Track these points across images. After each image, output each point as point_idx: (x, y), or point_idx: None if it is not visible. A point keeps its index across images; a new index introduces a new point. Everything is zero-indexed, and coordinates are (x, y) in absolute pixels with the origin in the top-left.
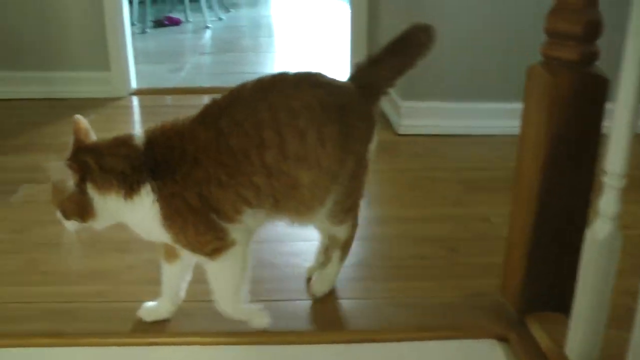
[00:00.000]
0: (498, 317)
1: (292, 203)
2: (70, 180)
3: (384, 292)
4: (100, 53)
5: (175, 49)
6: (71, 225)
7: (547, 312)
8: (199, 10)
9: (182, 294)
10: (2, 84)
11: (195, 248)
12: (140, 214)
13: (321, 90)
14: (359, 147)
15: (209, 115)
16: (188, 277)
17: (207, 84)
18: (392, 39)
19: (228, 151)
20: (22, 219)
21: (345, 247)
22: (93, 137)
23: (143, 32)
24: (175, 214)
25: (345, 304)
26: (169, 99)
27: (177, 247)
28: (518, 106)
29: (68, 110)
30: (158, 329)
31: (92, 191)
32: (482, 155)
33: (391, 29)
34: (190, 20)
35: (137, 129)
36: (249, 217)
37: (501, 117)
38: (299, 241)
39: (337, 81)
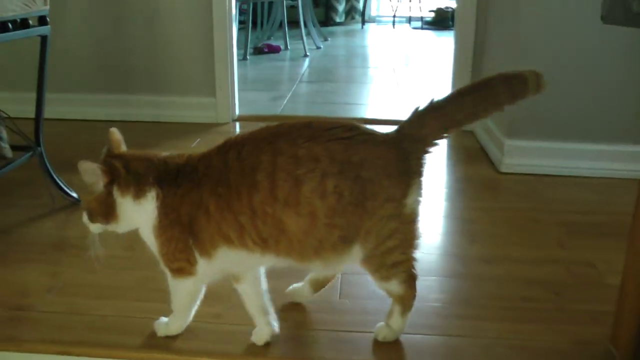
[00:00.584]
0: None
1: (282, 246)
2: (100, 183)
3: (494, 332)
4: (208, 80)
5: (276, 77)
6: (96, 228)
7: None
8: (297, 38)
9: (269, 304)
10: (115, 106)
11: (168, 260)
12: (143, 217)
13: (339, 145)
14: (382, 206)
15: (227, 145)
16: (264, 286)
17: (306, 112)
18: (475, 83)
19: (225, 184)
20: (132, 237)
21: (404, 301)
22: (124, 148)
23: (243, 58)
24: (168, 225)
25: (454, 341)
26: None
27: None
28: (625, 148)
29: (174, 133)
30: (270, 352)
31: (116, 193)
32: (586, 198)
33: (499, 62)
34: (289, 47)
35: None
36: (224, 256)
37: (607, 159)
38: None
39: (366, 135)
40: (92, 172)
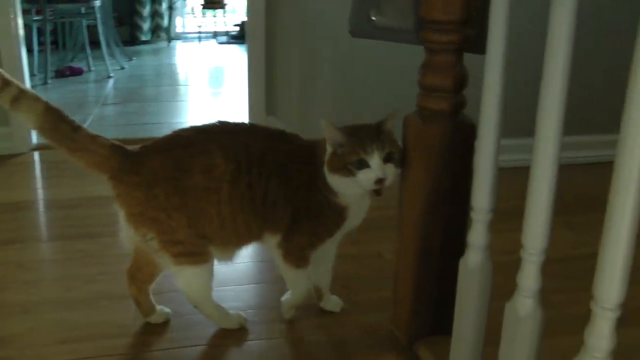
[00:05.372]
0: (391, 347)
1: None
2: None
3: (285, 332)
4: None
5: (78, 100)
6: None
7: (434, 337)
8: (101, 58)
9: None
10: None
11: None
12: None
13: None
14: None
15: None
16: None
17: (112, 135)
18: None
19: None
20: None
21: None
22: None
23: (45, 83)
24: None
25: (250, 345)
26: None
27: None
28: None
29: None
30: None
31: None
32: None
33: (289, 72)
34: (93, 69)
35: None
36: None
37: None
38: None
39: None
40: None
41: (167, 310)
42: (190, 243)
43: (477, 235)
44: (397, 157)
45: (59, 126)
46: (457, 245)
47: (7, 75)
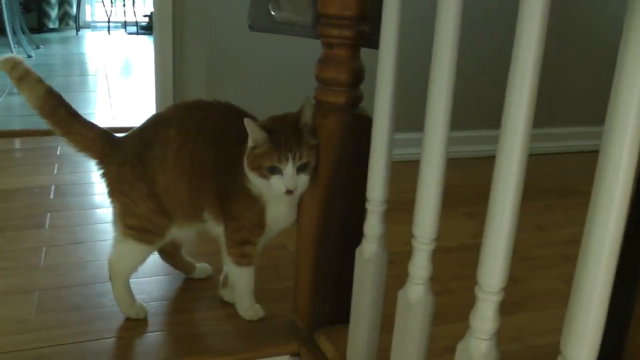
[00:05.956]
0: (291, 336)
1: None
2: None
3: (189, 323)
4: None
5: None
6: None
7: (333, 326)
8: (6, 46)
9: None
10: None
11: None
12: None
13: None
14: None
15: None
16: None
17: (18, 126)
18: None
19: None
20: None
21: None
22: None
23: None
24: None
25: (153, 336)
26: None
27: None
28: None
29: None
30: None
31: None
32: None
33: (196, 63)
34: None
35: None
36: None
37: None
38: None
39: None
40: None
41: (206, 265)
42: (146, 219)
43: (372, 225)
44: (311, 165)
45: (57, 110)
46: (355, 236)
47: (17, 58)
